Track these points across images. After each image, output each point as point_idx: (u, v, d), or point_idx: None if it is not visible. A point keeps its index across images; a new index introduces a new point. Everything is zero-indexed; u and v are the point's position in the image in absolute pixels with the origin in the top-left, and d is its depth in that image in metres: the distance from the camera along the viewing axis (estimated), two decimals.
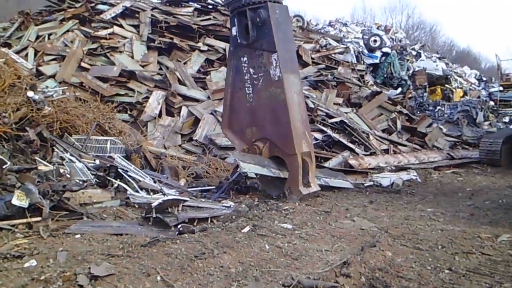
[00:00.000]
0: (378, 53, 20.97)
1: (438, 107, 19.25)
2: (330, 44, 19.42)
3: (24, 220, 4.87)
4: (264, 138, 7.30)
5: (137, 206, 6.10)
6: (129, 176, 6.93)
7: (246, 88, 7.45)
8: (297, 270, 4.02)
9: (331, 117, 12.01)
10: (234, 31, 7.52)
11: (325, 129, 11.20)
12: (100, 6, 14.92)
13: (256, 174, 7.31)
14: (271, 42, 7.05)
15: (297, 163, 6.93)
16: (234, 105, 7.74)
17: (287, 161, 7.10)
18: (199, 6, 16.16)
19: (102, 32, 13.36)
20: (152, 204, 5.28)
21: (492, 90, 25.23)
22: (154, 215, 5.22)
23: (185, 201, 5.91)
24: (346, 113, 13.17)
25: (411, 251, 4.60)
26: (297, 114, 7.14)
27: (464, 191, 8.56)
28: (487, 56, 65.70)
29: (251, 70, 7.36)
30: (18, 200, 4.77)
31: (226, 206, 6.40)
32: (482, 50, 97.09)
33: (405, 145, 12.72)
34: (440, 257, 4.43)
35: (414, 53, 24.83)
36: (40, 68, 11.52)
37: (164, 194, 6.42)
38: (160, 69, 12.77)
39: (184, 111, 11.17)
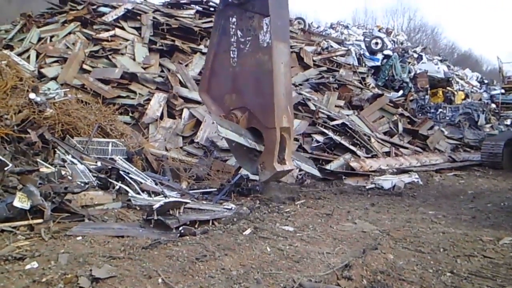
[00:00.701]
0: (379, 56, 20.98)
1: (440, 110, 19.23)
2: (331, 46, 19.42)
3: (26, 222, 4.87)
4: (244, 108, 6.96)
5: (138, 208, 6.09)
6: (131, 178, 6.93)
7: (231, 52, 7.04)
8: (299, 272, 4.01)
9: (333, 119, 12.01)
10: None
11: (326, 131, 11.20)
12: (102, 9, 14.95)
13: (231, 144, 7.05)
14: (265, 5, 6.63)
15: (274, 138, 6.64)
16: (215, 68, 7.32)
17: (265, 134, 6.81)
18: (200, 9, 16.18)
19: (104, 34, 13.38)
20: (154, 206, 5.28)
21: (493, 92, 25.21)
22: (155, 217, 5.22)
23: (186, 203, 5.90)
24: (347, 115, 13.17)
25: (413, 254, 4.60)
26: (281, 87, 6.79)
27: (466, 193, 8.56)
28: (489, 58, 65.76)
29: (239, 33, 6.94)
30: (20, 202, 4.78)
31: (227, 208, 6.39)
32: (483, 52, 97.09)
33: (406, 148, 12.71)
34: (442, 260, 4.43)
35: (415, 55, 24.80)
36: (42, 70, 11.53)
37: (166, 196, 6.41)
38: (162, 71, 12.77)
39: (185, 113, 11.17)
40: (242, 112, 6.93)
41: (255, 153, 7.02)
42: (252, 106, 6.87)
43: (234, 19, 6.97)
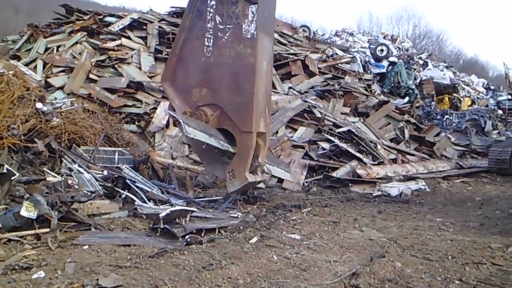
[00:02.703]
0: (385, 63, 20.98)
1: (446, 116, 19.16)
2: (336, 54, 19.44)
3: (33, 231, 4.88)
4: (215, 105, 6.13)
5: (144, 217, 6.09)
6: (137, 186, 6.94)
7: (206, 39, 6.17)
8: (306, 281, 3.99)
9: (339, 126, 11.99)
10: None
11: (332, 138, 11.17)
12: (108, 18, 15.09)
13: (198, 147, 6.25)
14: None
15: (250, 143, 5.96)
16: (184, 56, 6.42)
17: (238, 138, 6.07)
18: None
19: (110, 44, 13.49)
20: (160, 215, 5.27)
21: (500, 98, 25.08)
22: (161, 226, 5.21)
23: (192, 211, 5.89)
24: (353, 122, 13.15)
25: (420, 262, 4.56)
26: (262, 86, 6.10)
27: (474, 200, 8.50)
28: (495, 64, 65.54)
29: (218, 18, 6.11)
30: (27, 211, 4.79)
31: (233, 217, 6.37)
32: (489, 58, 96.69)
33: (413, 155, 12.65)
34: (450, 267, 4.39)
35: (421, 62, 24.77)
36: (48, 80, 11.62)
37: (172, 205, 6.41)
38: None
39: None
40: (212, 110, 6.12)
41: (229, 154, 6.32)
42: (225, 104, 6.10)
43: (213, 2, 6.15)
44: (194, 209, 6.12)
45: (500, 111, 21.62)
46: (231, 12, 6.07)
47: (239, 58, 6.02)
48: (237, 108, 6.06)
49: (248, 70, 5.96)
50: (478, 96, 26.68)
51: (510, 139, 15.78)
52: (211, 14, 6.16)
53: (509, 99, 20.98)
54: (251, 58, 5.93)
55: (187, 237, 5.13)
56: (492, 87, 30.69)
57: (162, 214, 5.27)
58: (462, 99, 23.14)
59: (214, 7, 6.16)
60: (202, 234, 5.42)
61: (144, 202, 6.57)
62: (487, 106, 23.26)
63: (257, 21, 5.89)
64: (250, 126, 5.94)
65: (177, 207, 5.68)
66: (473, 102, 24.06)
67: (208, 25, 6.18)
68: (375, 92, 17.94)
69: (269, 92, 6.51)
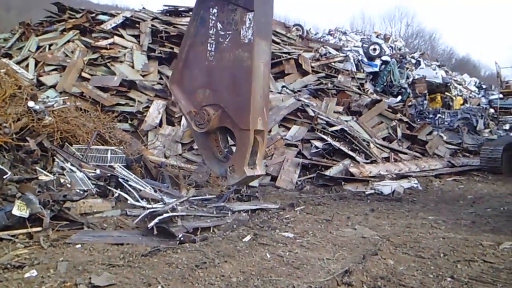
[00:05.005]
0: (377, 62, 21.02)
1: (438, 115, 19.26)
2: (329, 52, 19.47)
3: (25, 230, 4.86)
4: (217, 105, 6.53)
5: (134, 222, 6.07)
6: (130, 185, 6.92)
7: (209, 44, 6.61)
8: (299, 279, 4.00)
9: (332, 125, 12.01)
10: None
11: (325, 137, 11.20)
12: (101, 17, 14.99)
13: (200, 143, 6.83)
14: None
15: (248, 140, 6.28)
16: (190, 60, 6.89)
17: (237, 135, 6.45)
18: None
19: (103, 42, 13.41)
20: (149, 225, 5.28)
21: (492, 97, 25.26)
22: (155, 232, 5.21)
23: (182, 216, 5.89)
24: (346, 121, 13.18)
25: (413, 259, 4.59)
26: (259, 87, 6.45)
27: (465, 198, 8.55)
28: (487, 63, 66.09)
29: (219, 25, 6.53)
30: (19, 210, 4.77)
31: (226, 214, 6.38)
32: (481, 57, 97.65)
33: (405, 153, 12.71)
34: (442, 265, 4.42)
35: (413, 61, 24.88)
36: (40, 78, 11.55)
37: (165, 204, 6.40)
38: (161, 78, 12.79)
39: (184, 120, 11.17)
40: (214, 110, 6.49)
41: (225, 154, 6.71)
42: (226, 104, 6.48)
43: (215, 10, 6.58)
44: (183, 213, 6.09)
45: (491, 110, 21.76)
46: (230, 19, 6.45)
47: (237, 61, 6.39)
48: (236, 108, 6.40)
49: (245, 72, 6.30)
50: (470, 95, 26.84)
51: (502, 137, 15.94)
52: (213, 21, 6.58)
53: (500, 98, 21.07)
54: (249, 62, 6.28)
55: (180, 235, 5.13)
56: (484, 86, 30.88)
57: (151, 224, 5.28)
58: (454, 98, 23.26)
59: (215, 15, 6.57)
60: (197, 233, 5.43)
61: (137, 201, 6.56)
62: (479, 105, 23.42)
63: (254, 27, 6.25)
64: (248, 123, 6.26)
65: (165, 215, 5.67)
66: (465, 101, 24.19)
67: (211, 32, 6.60)
68: (368, 91, 17.99)
69: (266, 93, 6.83)
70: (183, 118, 11.11)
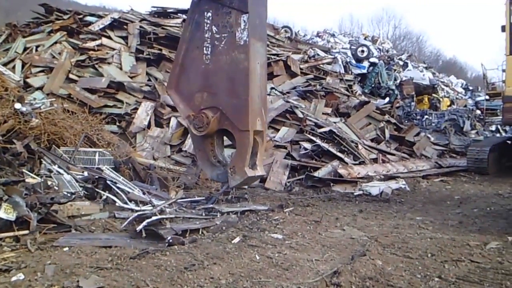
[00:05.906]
0: (365, 63, 21.17)
1: (426, 116, 19.44)
2: (318, 54, 19.57)
3: (11, 233, 4.81)
4: (215, 108, 6.59)
5: (122, 225, 6.03)
6: (118, 187, 6.88)
7: (205, 48, 6.68)
8: (288, 280, 4.01)
9: (320, 126, 12.05)
10: None
11: (314, 138, 11.23)
12: (88, 18, 14.90)
13: (196, 145, 6.94)
14: (243, 1, 6.36)
15: (247, 141, 6.36)
16: (186, 64, 6.92)
17: (237, 137, 6.51)
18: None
19: (90, 44, 13.32)
20: (138, 228, 5.25)
21: (478, 99, 25.55)
22: (144, 235, 5.18)
23: (171, 218, 5.87)
24: (335, 122, 13.23)
25: (401, 260, 4.62)
26: (257, 88, 6.52)
27: (453, 199, 8.62)
28: (473, 65, 66.72)
29: (214, 28, 6.59)
30: (5, 213, 4.72)
31: (215, 216, 6.37)
32: (468, 59, 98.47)
33: (393, 154, 12.79)
34: (429, 265, 4.45)
35: (401, 63, 25.07)
36: (27, 80, 11.45)
37: (153, 206, 6.37)
38: (149, 80, 12.75)
39: (173, 122, 11.14)
40: (213, 113, 6.57)
41: (218, 159, 6.82)
42: (224, 107, 6.54)
43: (209, 14, 6.64)
44: (171, 216, 6.07)
45: (478, 111, 22.00)
46: (225, 22, 6.52)
47: (234, 63, 6.46)
48: (234, 109, 6.47)
49: (242, 74, 6.38)
50: (457, 97, 27.14)
51: (488, 138, 16.12)
52: (208, 25, 6.65)
53: (487, 99, 21.34)
54: (245, 63, 6.35)
55: (169, 238, 5.11)
56: (470, 88, 31.25)
57: (140, 227, 5.24)
58: (441, 99, 23.49)
59: (210, 18, 6.63)
60: (187, 235, 5.41)
61: (125, 203, 6.52)
62: (465, 106, 23.66)
63: (249, 28, 6.33)
64: (246, 125, 6.34)
65: (153, 217, 5.65)
66: (452, 103, 24.45)
67: (206, 35, 6.66)
68: (356, 92, 18.09)
69: (264, 94, 6.90)
70: (172, 119, 11.12)
